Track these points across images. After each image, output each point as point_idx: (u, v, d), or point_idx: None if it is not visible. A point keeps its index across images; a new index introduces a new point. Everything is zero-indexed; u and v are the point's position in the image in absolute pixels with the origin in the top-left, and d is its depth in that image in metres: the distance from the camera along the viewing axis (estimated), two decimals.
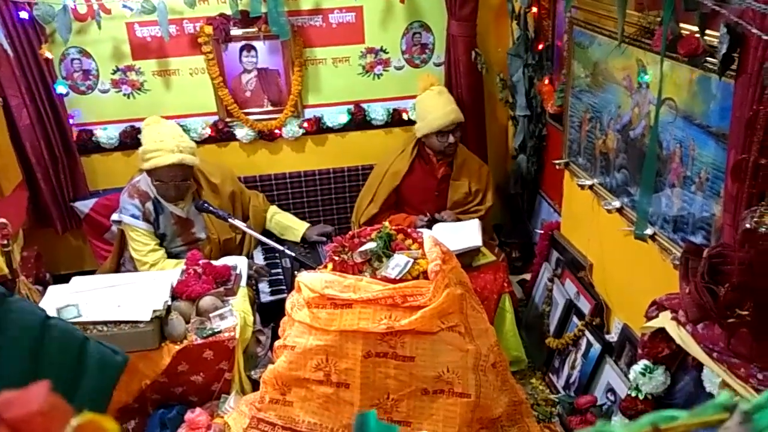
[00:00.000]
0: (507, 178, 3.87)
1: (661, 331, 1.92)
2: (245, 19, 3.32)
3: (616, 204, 2.51)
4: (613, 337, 2.63)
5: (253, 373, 2.72)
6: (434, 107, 3.25)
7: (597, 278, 2.80)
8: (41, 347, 1.62)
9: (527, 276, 3.52)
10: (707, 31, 1.82)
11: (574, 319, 2.86)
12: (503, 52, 3.59)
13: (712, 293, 1.64)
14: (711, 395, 1.75)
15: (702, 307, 1.67)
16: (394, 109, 3.67)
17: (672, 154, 2.13)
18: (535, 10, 3.30)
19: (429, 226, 3.20)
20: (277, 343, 2.35)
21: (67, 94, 3.36)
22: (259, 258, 3.34)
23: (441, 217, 3.27)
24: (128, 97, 3.46)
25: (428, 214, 3.28)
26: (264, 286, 3.14)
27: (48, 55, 3.21)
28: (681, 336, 1.83)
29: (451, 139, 3.24)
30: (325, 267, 2.36)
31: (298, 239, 3.43)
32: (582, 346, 2.75)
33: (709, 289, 1.65)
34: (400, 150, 3.44)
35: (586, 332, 2.73)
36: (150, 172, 2.97)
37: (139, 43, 3.36)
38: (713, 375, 1.72)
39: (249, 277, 3.01)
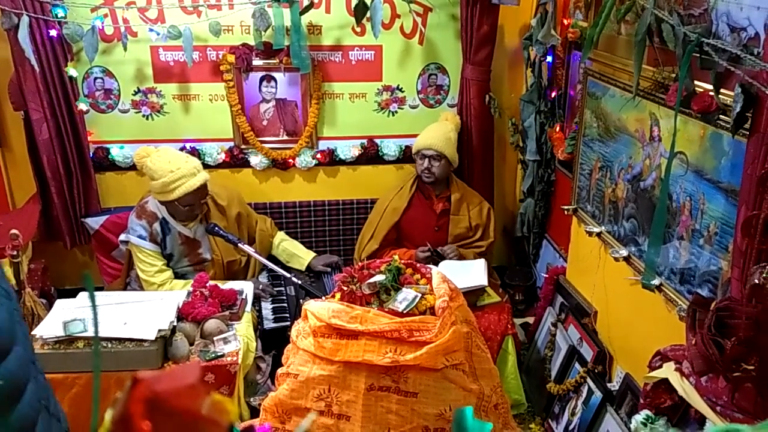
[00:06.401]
0: (513, 221, 3.90)
1: (664, 382, 1.92)
2: (268, 50, 3.40)
3: (624, 252, 2.53)
4: (614, 385, 2.62)
5: (252, 400, 2.71)
6: (426, 131, 3.42)
7: (601, 325, 2.81)
8: None
9: (530, 319, 3.53)
10: (721, 90, 1.88)
11: (576, 365, 2.85)
12: (516, 98, 3.67)
13: (718, 346, 1.65)
14: None
15: (708, 360, 1.68)
16: (407, 146, 3.72)
17: (681, 207, 2.17)
18: (549, 59, 3.39)
19: (432, 258, 3.21)
20: (279, 371, 2.35)
21: (87, 112, 3.42)
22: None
23: (444, 251, 3.28)
24: (147, 119, 3.52)
25: (428, 245, 3.29)
26: (267, 313, 3.14)
27: (72, 72, 3.27)
28: (684, 387, 1.83)
29: (426, 164, 3.34)
30: (333, 296, 2.38)
31: (304, 268, 3.45)
32: (583, 393, 2.75)
33: (715, 342, 1.66)
34: (400, 187, 3.50)
35: (588, 379, 2.72)
36: (176, 200, 2.97)
37: (161, 67, 3.44)
38: (716, 429, 1.71)
39: (255, 296, 3.02)
